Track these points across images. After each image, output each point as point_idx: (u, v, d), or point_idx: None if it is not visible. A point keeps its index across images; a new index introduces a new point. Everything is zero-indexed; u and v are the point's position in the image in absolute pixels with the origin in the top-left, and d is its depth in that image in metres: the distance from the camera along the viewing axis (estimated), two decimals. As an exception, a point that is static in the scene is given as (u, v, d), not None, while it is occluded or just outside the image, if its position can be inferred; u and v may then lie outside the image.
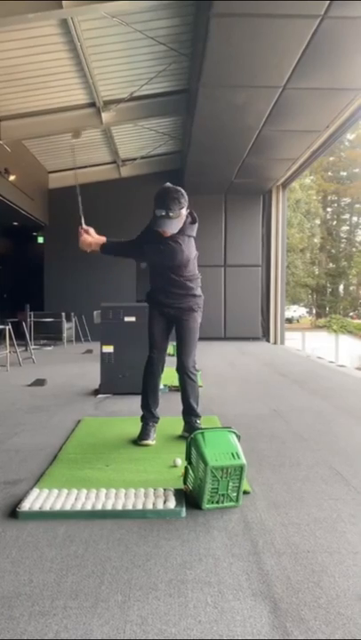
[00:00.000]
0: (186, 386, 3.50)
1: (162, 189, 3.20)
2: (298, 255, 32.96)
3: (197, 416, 3.53)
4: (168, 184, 3.27)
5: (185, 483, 2.50)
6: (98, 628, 1.50)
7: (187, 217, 3.30)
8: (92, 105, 8.94)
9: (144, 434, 3.41)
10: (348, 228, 39.28)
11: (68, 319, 12.09)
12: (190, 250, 3.36)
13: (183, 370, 3.47)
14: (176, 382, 5.18)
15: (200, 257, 3.58)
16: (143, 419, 3.51)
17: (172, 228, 3.20)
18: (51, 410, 4.60)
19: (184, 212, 3.20)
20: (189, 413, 3.53)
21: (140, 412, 3.56)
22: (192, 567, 1.84)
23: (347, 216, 39.39)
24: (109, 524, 2.17)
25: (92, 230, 3.44)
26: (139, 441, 3.38)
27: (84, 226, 3.45)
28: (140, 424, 3.50)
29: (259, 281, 13.42)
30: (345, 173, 37.99)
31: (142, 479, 2.67)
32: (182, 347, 3.48)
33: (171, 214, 3.12)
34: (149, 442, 3.36)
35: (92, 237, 3.42)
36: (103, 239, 3.43)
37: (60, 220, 12.93)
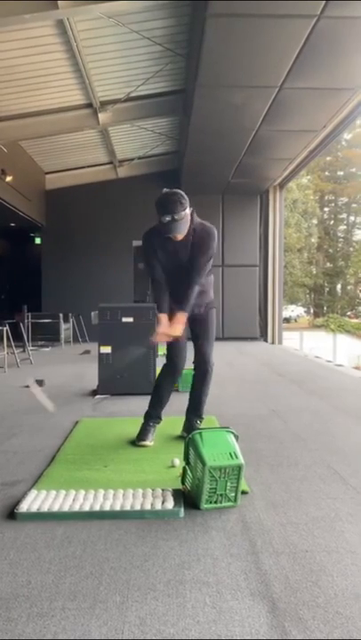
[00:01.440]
0: (204, 382, 3.53)
1: (161, 196, 3.21)
2: (295, 255, 32.97)
3: (201, 417, 3.55)
4: (165, 190, 3.27)
5: (183, 483, 2.50)
6: (96, 629, 1.49)
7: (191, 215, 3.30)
8: (89, 106, 8.94)
9: (143, 434, 3.39)
10: (345, 227, 39.32)
11: (66, 320, 12.07)
12: None
13: (206, 366, 3.49)
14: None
15: None
16: (147, 417, 3.46)
17: (182, 229, 3.20)
18: (49, 411, 4.59)
19: (188, 211, 3.22)
20: (195, 412, 3.54)
21: (142, 411, 3.52)
22: (190, 567, 1.83)
23: (344, 215, 39.42)
24: (108, 525, 2.17)
25: (163, 317, 3.28)
26: (137, 441, 3.37)
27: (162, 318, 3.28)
28: (140, 422, 3.47)
29: (256, 281, 13.43)
30: (342, 173, 38.04)
31: (140, 480, 2.67)
32: (206, 344, 3.49)
33: (176, 217, 3.12)
34: (147, 443, 3.35)
35: (173, 321, 3.25)
36: (167, 315, 3.27)
37: (58, 221, 12.99)
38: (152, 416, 3.48)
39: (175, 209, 3.11)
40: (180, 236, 3.23)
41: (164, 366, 3.54)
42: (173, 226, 3.14)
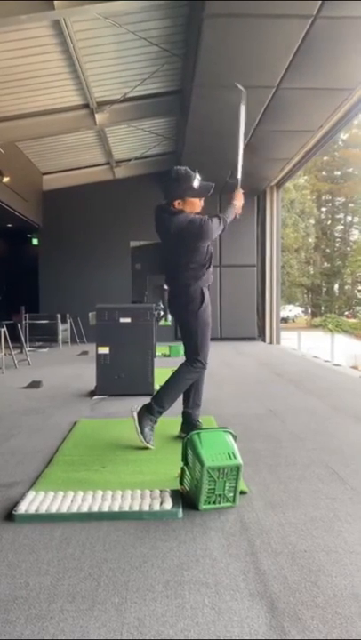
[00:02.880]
0: (203, 376, 3.54)
1: (179, 171, 3.36)
2: (293, 255, 33.06)
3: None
4: (174, 169, 3.41)
5: (181, 484, 2.50)
6: (95, 630, 1.49)
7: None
8: (86, 106, 8.94)
9: (148, 434, 3.28)
10: (342, 227, 39.40)
11: (64, 321, 12.06)
12: None
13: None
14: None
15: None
16: (157, 412, 3.32)
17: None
18: (47, 412, 4.59)
19: None
20: (197, 405, 3.54)
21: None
22: (189, 568, 1.83)
23: (341, 215, 39.51)
24: (106, 526, 2.17)
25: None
26: (143, 440, 3.23)
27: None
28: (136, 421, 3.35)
29: (254, 281, 13.44)
30: (339, 173, 38.11)
31: (139, 480, 2.67)
32: None
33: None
34: (151, 446, 3.26)
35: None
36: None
37: (55, 222, 12.97)
38: (162, 412, 3.34)
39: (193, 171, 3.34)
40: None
41: (197, 365, 3.39)
42: (206, 183, 3.38)
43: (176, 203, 3.32)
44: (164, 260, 3.51)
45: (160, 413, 3.36)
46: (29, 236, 15.41)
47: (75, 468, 2.92)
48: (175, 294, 3.46)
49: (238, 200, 3.59)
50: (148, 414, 3.31)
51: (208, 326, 3.43)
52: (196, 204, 3.39)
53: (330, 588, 1.71)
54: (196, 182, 3.30)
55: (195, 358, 3.39)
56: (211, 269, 3.45)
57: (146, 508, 2.29)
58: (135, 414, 3.32)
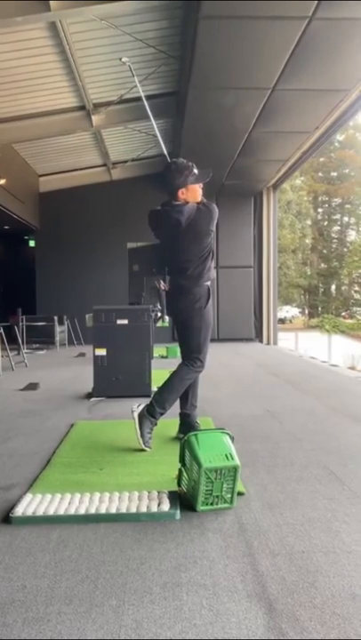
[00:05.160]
0: (198, 378, 3.53)
1: (179, 162, 3.33)
2: (290, 256, 33.11)
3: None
4: (173, 161, 3.38)
5: (179, 485, 2.49)
6: (92, 632, 1.48)
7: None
8: (82, 108, 8.94)
9: (147, 438, 3.25)
10: (338, 228, 39.49)
11: (61, 322, 12.04)
12: None
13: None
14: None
15: None
16: (158, 414, 3.28)
17: None
18: (44, 414, 4.58)
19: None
20: (194, 406, 3.53)
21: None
22: (187, 570, 1.83)
23: (338, 216, 39.61)
24: (103, 528, 2.16)
25: None
26: (143, 443, 3.21)
27: None
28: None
29: (251, 282, 13.45)
30: (335, 174, 38.22)
31: (136, 482, 2.66)
32: None
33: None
34: (148, 448, 3.24)
35: None
36: None
37: (51, 224, 12.97)
38: (163, 413, 3.30)
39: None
40: None
41: (197, 365, 3.39)
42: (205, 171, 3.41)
43: (180, 193, 3.29)
44: (167, 259, 3.45)
45: (161, 414, 3.33)
46: (26, 237, 15.39)
47: (72, 470, 2.92)
48: (180, 292, 3.40)
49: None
50: (148, 416, 3.28)
51: (210, 326, 3.45)
52: (198, 192, 3.36)
53: (328, 588, 1.71)
54: (195, 169, 3.32)
55: (195, 357, 3.39)
56: (213, 264, 3.45)
57: (143, 509, 2.28)
58: (136, 415, 3.30)
